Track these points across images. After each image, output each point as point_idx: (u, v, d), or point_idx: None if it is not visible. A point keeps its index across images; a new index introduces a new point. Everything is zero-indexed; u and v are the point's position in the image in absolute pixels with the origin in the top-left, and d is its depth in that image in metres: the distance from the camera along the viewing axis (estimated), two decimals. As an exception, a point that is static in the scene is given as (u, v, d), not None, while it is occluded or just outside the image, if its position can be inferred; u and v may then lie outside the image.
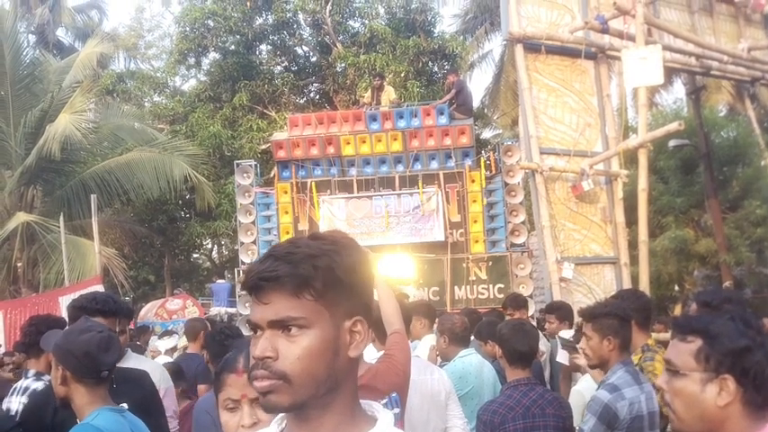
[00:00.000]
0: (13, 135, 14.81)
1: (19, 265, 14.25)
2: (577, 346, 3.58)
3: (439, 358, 4.81)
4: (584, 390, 3.91)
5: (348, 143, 11.12)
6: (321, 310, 1.16)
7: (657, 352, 3.70)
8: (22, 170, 14.42)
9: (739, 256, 14.61)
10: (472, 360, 4.48)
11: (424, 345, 5.11)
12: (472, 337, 5.28)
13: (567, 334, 5.20)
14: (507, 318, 6.00)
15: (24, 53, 16.00)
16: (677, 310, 15.96)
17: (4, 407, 3.54)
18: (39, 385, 3.56)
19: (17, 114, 14.81)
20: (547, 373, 5.93)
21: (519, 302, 6.46)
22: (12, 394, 3.62)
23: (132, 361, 3.73)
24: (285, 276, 1.16)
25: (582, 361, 3.91)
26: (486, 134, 23.40)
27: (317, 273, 1.16)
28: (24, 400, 3.51)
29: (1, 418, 3.36)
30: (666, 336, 5.96)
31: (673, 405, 1.67)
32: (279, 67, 20.57)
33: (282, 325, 1.16)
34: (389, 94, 12.27)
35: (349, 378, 1.22)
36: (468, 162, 10.91)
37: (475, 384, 4.38)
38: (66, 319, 3.40)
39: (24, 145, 14.73)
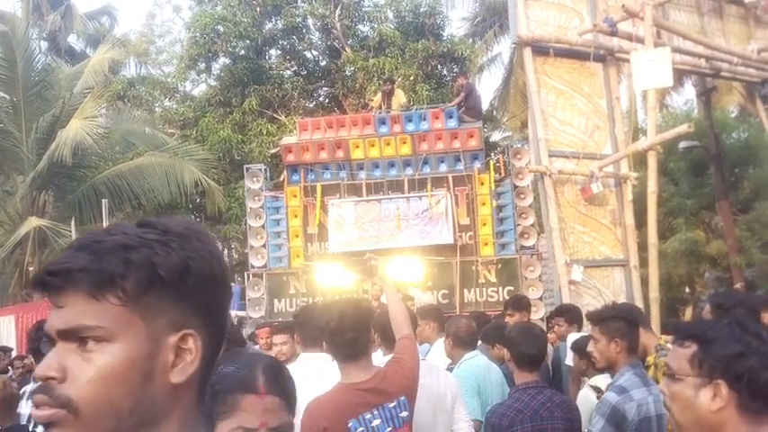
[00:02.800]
0: (24, 141, 14.93)
1: (31, 269, 14.36)
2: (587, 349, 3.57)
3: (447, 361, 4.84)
4: (591, 393, 3.92)
5: (357, 147, 11.14)
6: (132, 320, 0.89)
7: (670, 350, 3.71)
8: (34, 175, 14.54)
9: (750, 258, 14.55)
10: (478, 362, 4.50)
11: (437, 348, 5.13)
12: (480, 342, 5.30)
13: (576, 337, 5.20)
14: (507, 318, 6.01)
15: (36, 59, 16.14)
16: (688, 313, 15.90)
17: (19, 411, 3.57)
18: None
19: (29, 120, 14.94)
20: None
21: (520, 304, 6.40)
22: (21, 398, 3.65)
23: None
24: (79, 271, 0.88)
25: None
26: (496, 137, 23.37)
27: (129, 269, 0.88)
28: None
29: (15, 428, 3.38)
30: (676, 338, 5.95)
31: (671, 409, 1.69)
32: (288, 72, 20.65)
33: (76, 336, 0.89)
34: (400, 97, 12.28)
35: (174, 411, 0.93)
36: (478, 165, 10.90)
37: (482, 386, 4.39)
38: None
39: (36, 150, 14.85)
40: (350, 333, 2.75)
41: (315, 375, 3.24)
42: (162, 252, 0.90)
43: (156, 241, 0.91)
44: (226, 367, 1.67)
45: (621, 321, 3.31)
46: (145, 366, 0.89)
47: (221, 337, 0.99)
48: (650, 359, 3.65)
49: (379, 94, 12.72)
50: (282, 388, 1.66)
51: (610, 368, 3.35)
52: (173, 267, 0.90)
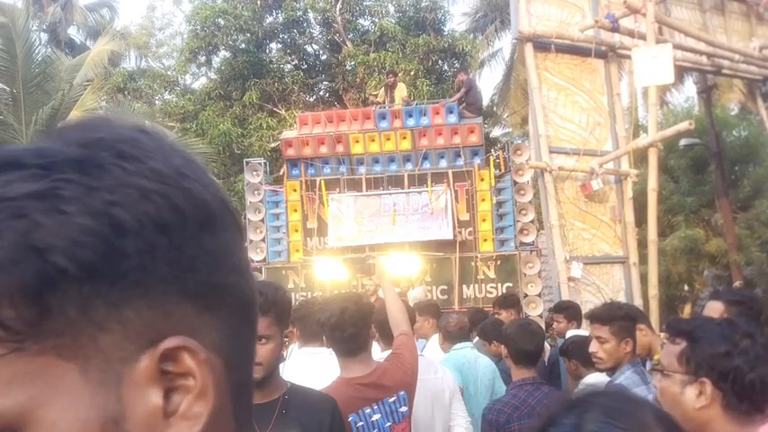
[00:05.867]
0: (24, 133, 14.90)
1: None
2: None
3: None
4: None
5: (357, 141, 11.13)
6: (43, 371, 0.43)
7: None
8: (34, 167, 14.54)
9: (750, 256, 14.57)
10: (466, 353, 4.53)
11: (432, 343, 5.17)
12: (477, 338, 5.33)
13: (575, 333, 5.20)
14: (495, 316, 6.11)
15: (36, 51, 16.08)
16: (687, 310, 15.92)
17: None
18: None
19: (29, 112, 14.92)
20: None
21: (507, 302, 6.53)
22: None
23: None
24: None
25: None
26: (496, 132, 23.35)
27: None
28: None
29: None
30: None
31: (661, 404, 1.70)
32: (289, 66, 20.62)
33: None
34: (401, 90, 12.30)
35: None
36: (478, 161, 10.89)
37: (465, 376, 4.41)
38: None
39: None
40: (351, 329, 2.75)
41: (314, 370, 3.25)
42: (44, 216, 0.43)
43: (29, 196, 0.43)
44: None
45: (630, 321, 3.30)
46: None
47: (251, 321, 0.54)
48: (657, 357, 3.65)
49: (383, 88, 12.74)
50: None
51: (616, 368, 3.30)
52: (80, 242, 0.43)
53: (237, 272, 0.52)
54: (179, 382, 0.46)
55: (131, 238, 0.45)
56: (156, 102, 21.64)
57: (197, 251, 0.48)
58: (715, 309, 3.18)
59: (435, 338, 5.16)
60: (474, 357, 4.57)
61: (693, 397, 1.60)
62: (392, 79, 12.46)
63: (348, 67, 19.43)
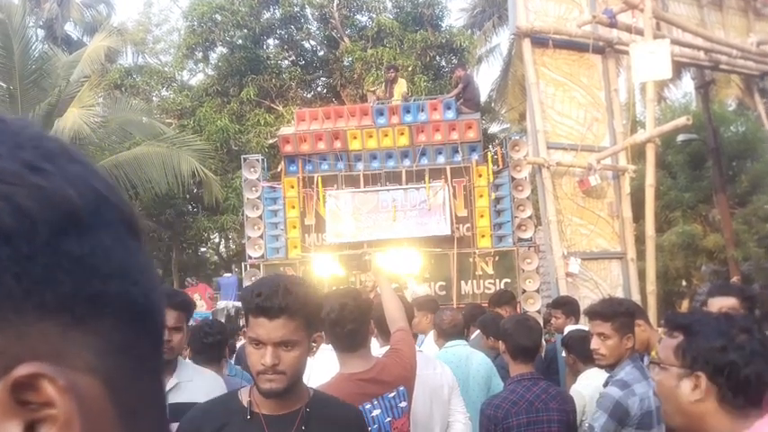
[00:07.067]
0: (21, 129, 14.88)
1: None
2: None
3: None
4: (582, 389, 3.92)
5: (355, 138, 11.12)
6: None
7: None
8: (31, 164, 14.49)
9: (747, 252, 14.59)
10: (457, 351, 4.51)
11: (430, 339, 5.18)
12: (477, 331, 5.35)
13: (572, 329, 5.21)
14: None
15: (33, 48, 16.05)
16: (684, 306, 15.95)
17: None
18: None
19: (25, 109, 14.88)
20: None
21: (502, 299, 6.62)
22: None
23: (188, 372, 3.16)
24: None
25: None
26: (494, 128, 23.37)
27: None
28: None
29: None
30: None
31: (659, 397, 1.72)
32: (286, 62, 20.59)
33: None
34: (401, 86, 12.29)
35: None
36: (475, 157, 10.89)
37: (459, 374, 4.41)
38: None
39: (33, 139, 14.80)
40: (350, 324, 2.76)
41: (314, 366, 3.26)
42: None
43: None
44: None
45: (630, 317, 3.30)
46: None
47: (150, 332, 0.48)
48: (655, 353, 3.66)
49: (384, 84, 12.73)
50: None
51: (616, 364, 3.30)
52: None
53: (122, 276, 0.44)
54: (45, 413, 0.39)
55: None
56: (154, 98, 21.61)
57: (56, 259, 0.41)
58: (723, 304, 3.14)
59: (431, 334, 5.17)
60: (466, 355, 4.52)
61: (688, 390, 1.61)
62: (392, 74, 12.45)
63: (345, 63, 19.42)
